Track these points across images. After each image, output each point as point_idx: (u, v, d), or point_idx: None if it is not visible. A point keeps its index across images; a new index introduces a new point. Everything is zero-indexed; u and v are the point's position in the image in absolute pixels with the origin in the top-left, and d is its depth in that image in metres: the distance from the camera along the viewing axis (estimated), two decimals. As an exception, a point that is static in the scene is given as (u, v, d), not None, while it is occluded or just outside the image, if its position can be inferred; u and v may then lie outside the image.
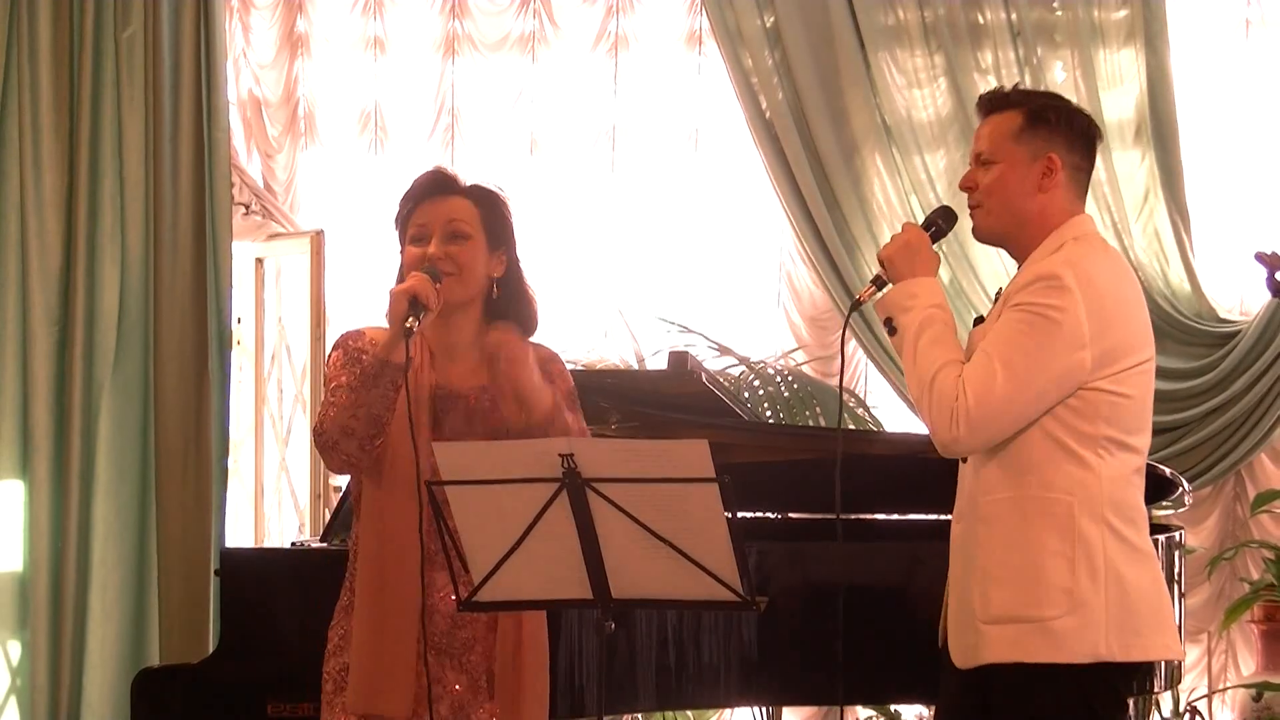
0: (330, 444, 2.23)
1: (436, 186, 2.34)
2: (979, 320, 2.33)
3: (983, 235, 2.33)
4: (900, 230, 2.32)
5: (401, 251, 2.34)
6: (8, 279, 4.19)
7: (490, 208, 2.34)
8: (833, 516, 3.20)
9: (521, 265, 2.41)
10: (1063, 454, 2.22)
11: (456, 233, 2.29)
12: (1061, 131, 2.27)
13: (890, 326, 2.26)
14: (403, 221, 2.34)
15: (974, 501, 2.26)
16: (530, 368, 2.27)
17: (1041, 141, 2.25)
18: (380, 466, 2.24)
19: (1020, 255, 2.30)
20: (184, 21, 4.24)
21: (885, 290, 2.29)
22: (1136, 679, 2.46)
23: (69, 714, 4.11)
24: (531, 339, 2.40)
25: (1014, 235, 2.28)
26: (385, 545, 2.25)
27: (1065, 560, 2.21)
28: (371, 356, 2.20)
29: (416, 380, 2.28)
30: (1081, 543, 2.21)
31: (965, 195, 2.31)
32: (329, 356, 2.34)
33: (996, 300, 2.31)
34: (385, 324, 2.30)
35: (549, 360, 2.40)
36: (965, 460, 2.30)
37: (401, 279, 2.30)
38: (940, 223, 2.33)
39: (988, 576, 2.23)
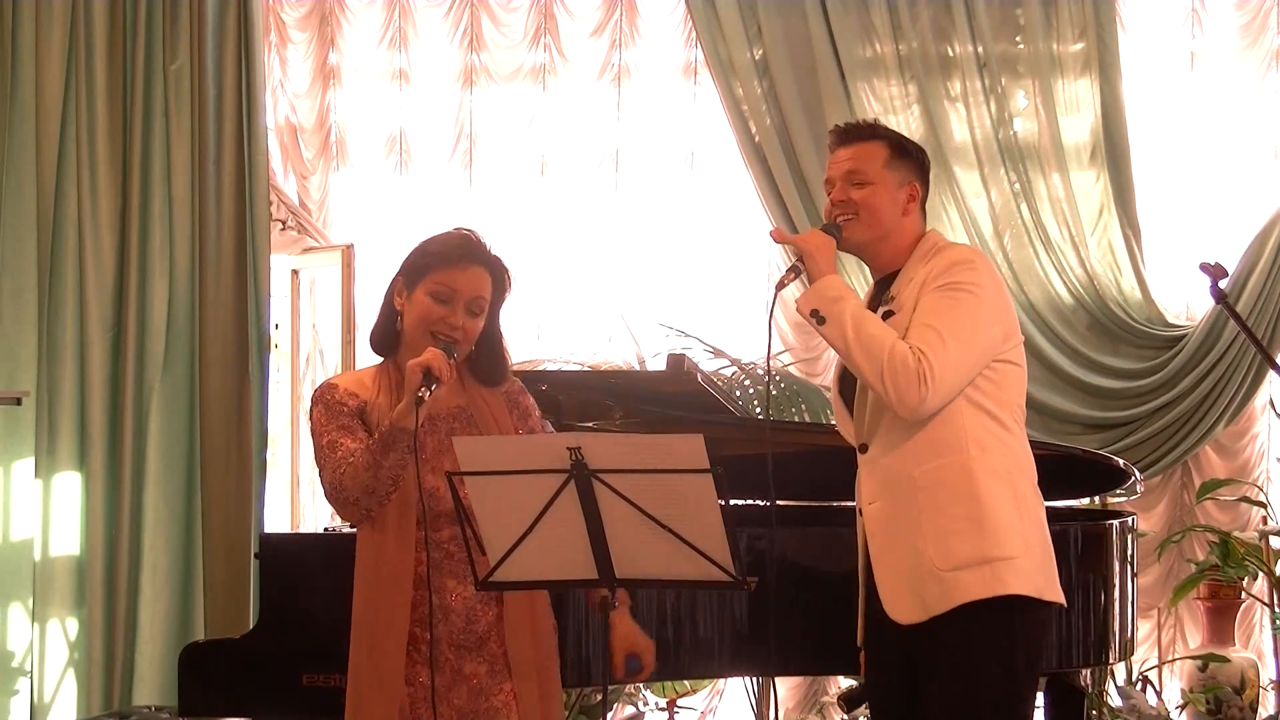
0: (351, 500, 2.21)
1: (469, 254, 2.29)
2: (887, 315, 2.31)
3: (852, 244, 2.36)
4: (811, 232, 2.33)
5: (408, 289, 2.28)
6: (66, 290, 4.19)
7: (499, 283, 2.32)
8: (819, 504, 3.20)
9: (500, 324, 2.37)
10: (990, 420, 2.29)
11: (479, 309, 2.28)
12: (917, 165, 2.38)
13: (819, 317, 2.26)
14: (424, 271, 2.27)
15: (903, 476, 2.27)
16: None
17: (905, 172, 2.36)
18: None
19: (878, 263, 2.37)
20: (226, 55, 4.24)
21: (802, 281, 2.31)
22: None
23: (122, 684, 4.11)
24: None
25: (877, 245, 2.35)
26: (379, 579, 2.22)
27: (1013, 509, 2.27)
28: (387, 425, 2.17)
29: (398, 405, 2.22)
30: (1019, 495, 2.29)
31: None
32: (311, 412, 2.31)
33: (885, 303, 2.32)
34: (352, 374, 2.33)
35: (520, 394, 2.40)
36: (865, 450, 2.31)
37: (391, 317, 2.27)
38: (836, 234, 2.34)
39: (944, 531, 2.24)
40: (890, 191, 2.32)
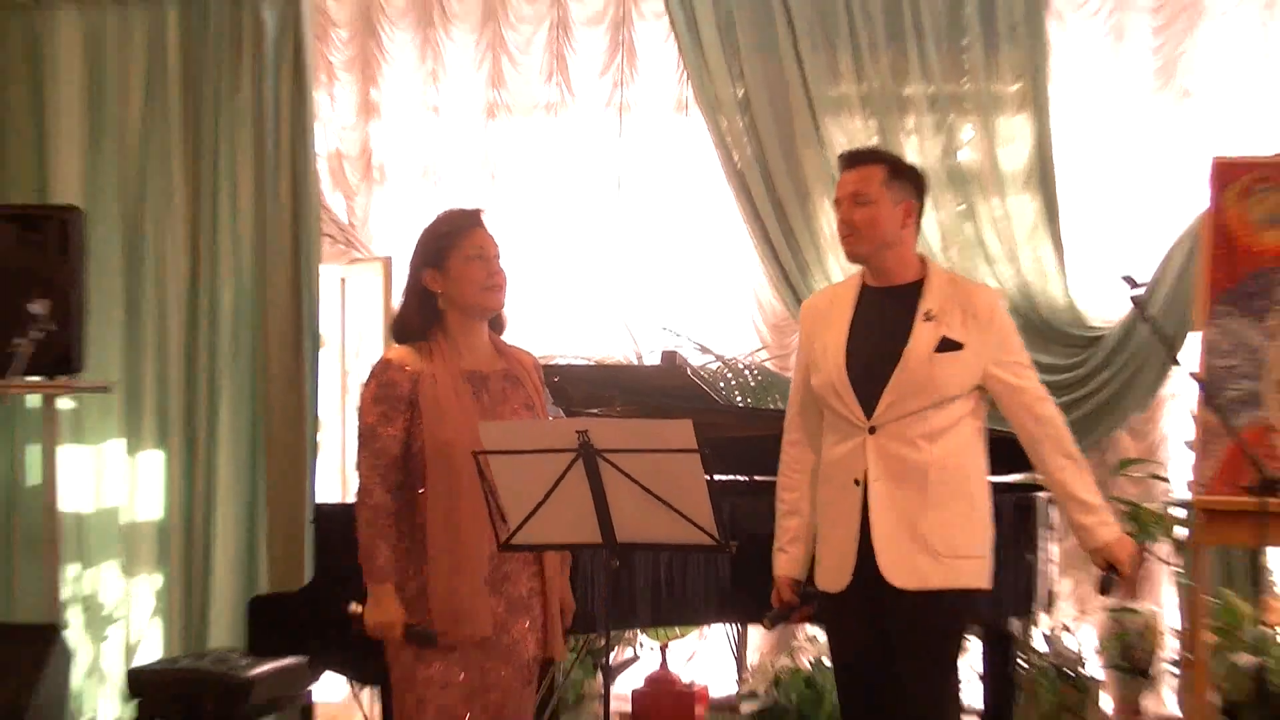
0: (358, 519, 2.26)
1: (476, 218, 2.34)
2: (947, 345, 2.34)
3: (858, 256, 2.39)
4: (1127, 544, 2.39)
5: (438, 269, 2.25)
6: (148, 294, 4.24)
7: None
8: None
9: None
10: (976, 433, 2.37)
11: (498, 255, 2.33)
12: (913, 185, 2.39)
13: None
14: (449, 247, 2.27)
15: (913, 465, 2.29)
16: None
17: (902, 191, 2.37)
18: (449, 456, 2.23)
19: (885, 270, 2.38)
20: (282, 92, 4.26)
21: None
22: None
23: (199, 630, 4.16)
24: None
25: (882, 255, 2.37)
26: (458, 512, 2.23)
27: (988, 511, 2.36)
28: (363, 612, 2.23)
29: (452, 370, 2.24)
30: (989, 496, 2.38)
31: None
32: (365, 385, 2.27)
33: (926, 318, 2.34)
34: (403, 349, 2.25)
35: (538, 368, 2.42)
36: (874, 432, 2.30)
37: (427, 301, 2.25)
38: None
39: (945, 523, 2.30)
40: (889, 208, 2.34)
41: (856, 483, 2.33)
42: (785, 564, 2.47)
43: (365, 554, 2.26)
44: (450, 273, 2.27)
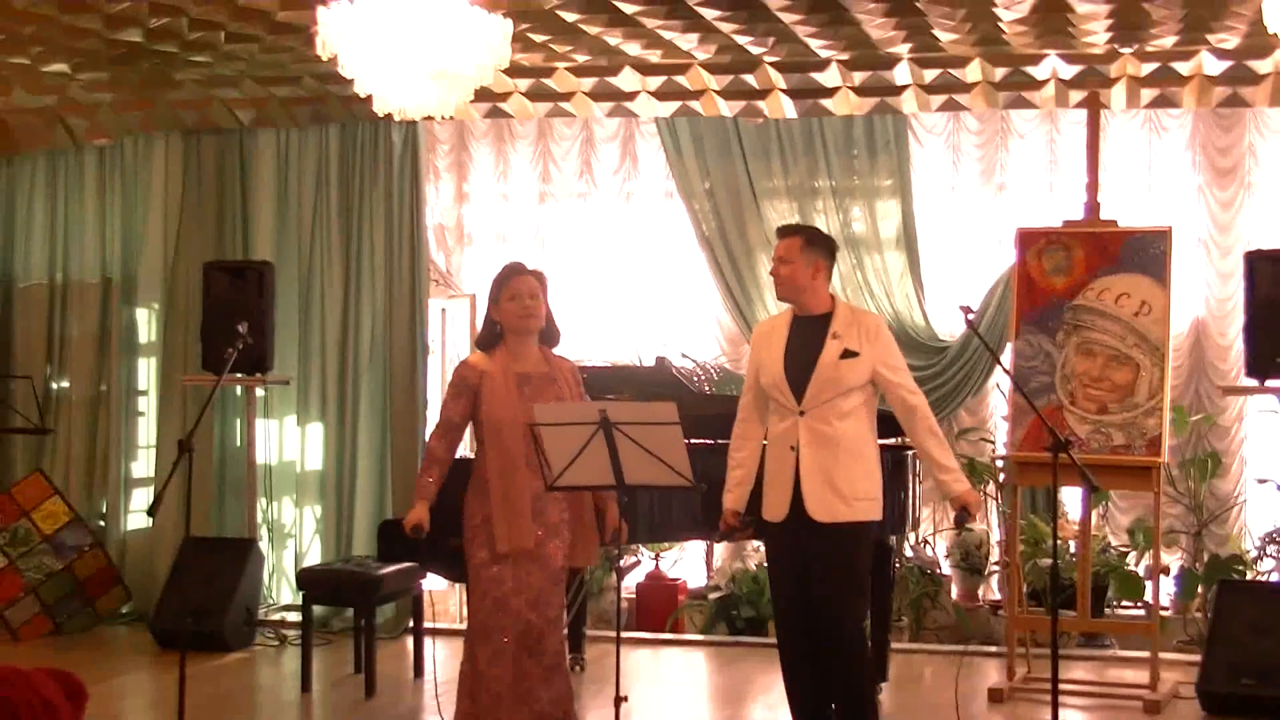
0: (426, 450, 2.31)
1: (518, 270, 2.38)
2: (847, 354, 2.34)
3: (781, 298, 2.43)
4: (975, 494, 2.38)
5: (495, 303, 2.33)
6: (314, 321, 4.23)
7: (541, 282, 2.38)
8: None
9: (551, 310, 2.44)
10: (870, 414, 2.37)
11: (536, 295, 2.35)
12: (824, 250, 2.41)
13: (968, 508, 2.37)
14: (500, 289, 2.35)
15: (829, 436, 2.30)
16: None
17: (814, 255, 2.38)
18: (500, 430, 2.26)
19: (805, 306, 2.39)
20: (404, 185, 4.26)
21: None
22: None
23: (345, 544, 4.14)
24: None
25: (801, 297, 2.39)
26: (508, 465, 2.27)
27: (879, 467, 2.35)
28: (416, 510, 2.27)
29: (506, 371, 2.28)
30: (878, 456, 2.37)
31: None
32: (453, 372, 2.37)
33: (834, 337, 2.34)
34: (479, 354, 2.30)
35: (574, 372, 2.44)
36: (803, 414, 2.32)
37: (491, 324, 2.32)
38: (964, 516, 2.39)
39: (851, 475, 2.31)
40: (802, 268, 2.37)
41: (792, 449, 2.35)
42: (731, 500, 2.48)
43: (419, 477, 2.34)
44: (501, 307, 2.35)
